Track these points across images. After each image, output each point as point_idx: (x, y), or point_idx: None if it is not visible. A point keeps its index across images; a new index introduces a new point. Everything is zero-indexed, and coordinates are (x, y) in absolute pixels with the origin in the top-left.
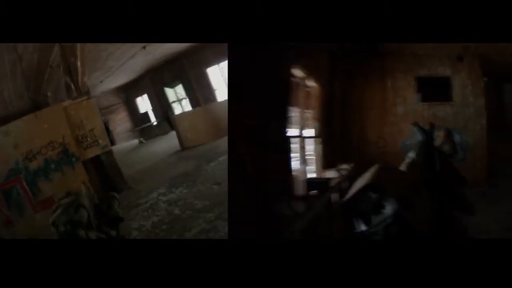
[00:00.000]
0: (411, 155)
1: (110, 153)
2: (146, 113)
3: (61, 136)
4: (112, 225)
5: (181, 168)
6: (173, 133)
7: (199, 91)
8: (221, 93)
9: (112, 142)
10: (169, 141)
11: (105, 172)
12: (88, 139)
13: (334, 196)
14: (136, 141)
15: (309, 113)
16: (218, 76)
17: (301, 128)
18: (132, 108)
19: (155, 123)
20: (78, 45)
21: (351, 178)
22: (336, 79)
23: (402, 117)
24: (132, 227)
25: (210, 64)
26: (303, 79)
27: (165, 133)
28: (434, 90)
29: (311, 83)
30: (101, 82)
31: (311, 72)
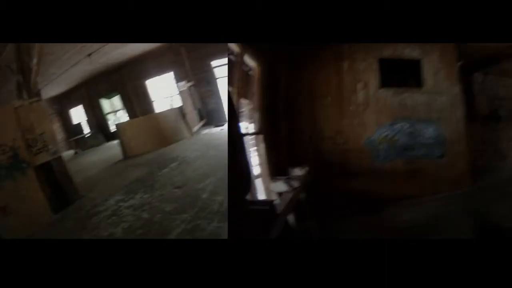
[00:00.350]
0: None
1: (60, 159)
2: (79, 124)
3: (11, 140)
4: None
5: (133, 175)
6: (108, 144)
7: (137, 103)
8: (158, 105)
9: None
10: (106, 152)
11: (56, 180)
12: (38, 144)
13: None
14: (71, 152)
15: (247, 102)
16: (156, 88)
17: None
18: (65, 119)
19: (88, 135)
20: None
21: (307, 188)
22: (281, 59)
23: (364, 107)
24: (102, 234)
25: (149, 76)
26: (239, 55)
27: (99, 144)
28: (401, 74)
29: (250, 62)
30: (39, 90)
31: (248, 47)
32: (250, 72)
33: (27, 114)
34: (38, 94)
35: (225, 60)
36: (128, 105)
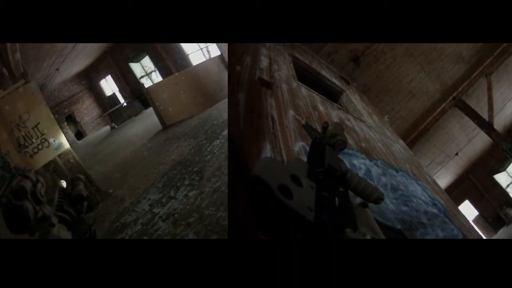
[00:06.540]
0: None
1: (69, 154)
2: (113, 95)
3: None
4: (76, 204)
5: (173, 155)
6: (147, 111)
7: (170, 60)
8: (196, 57)
9: (82, 134)
10: (145, 121)
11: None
12: (34, 140)
13: None
14: (107, 127)
15: None
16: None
17: None
18: (98, 93)
19: (125, 104)
20: None
21: None
22: None
23: None
24: None
25: None
26: None
27: (137, 113)
28: None
29: None
30: (57, 70)
31: None
32: None
33: (13, 104)
34: (24, 75)
35: None
36: (161, 64)
